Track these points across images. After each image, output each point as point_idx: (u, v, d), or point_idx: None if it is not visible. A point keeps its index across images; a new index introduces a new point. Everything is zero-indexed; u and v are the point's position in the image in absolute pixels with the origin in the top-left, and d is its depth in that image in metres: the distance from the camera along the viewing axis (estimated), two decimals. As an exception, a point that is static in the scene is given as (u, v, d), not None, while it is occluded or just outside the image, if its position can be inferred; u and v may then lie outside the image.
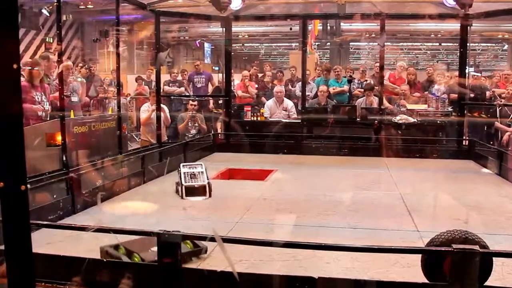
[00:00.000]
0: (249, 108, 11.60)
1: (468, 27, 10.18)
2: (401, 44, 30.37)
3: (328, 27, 22.50)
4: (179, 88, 13.97)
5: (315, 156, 9.80)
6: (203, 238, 3.37)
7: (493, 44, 28.89)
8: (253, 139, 10.60)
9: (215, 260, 3.85)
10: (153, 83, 14.91)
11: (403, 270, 3.74)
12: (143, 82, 15.51)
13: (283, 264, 3.89)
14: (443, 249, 3.02)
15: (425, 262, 3.23)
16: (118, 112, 8.20)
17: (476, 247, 2.92)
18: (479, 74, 14.60)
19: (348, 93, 12.23)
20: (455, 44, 24.04)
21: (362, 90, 12.12)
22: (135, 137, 13.33)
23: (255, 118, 11.43)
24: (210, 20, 12.43)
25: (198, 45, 27.33)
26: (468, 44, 10.47)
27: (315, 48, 21.73)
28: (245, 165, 8.76)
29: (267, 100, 12.28)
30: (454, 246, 2.93)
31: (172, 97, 13.40)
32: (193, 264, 3.81)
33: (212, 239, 3.14)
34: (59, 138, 6.60)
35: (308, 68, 12.43)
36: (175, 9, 10.93)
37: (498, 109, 10.62)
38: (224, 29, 11.03)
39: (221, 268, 3.22)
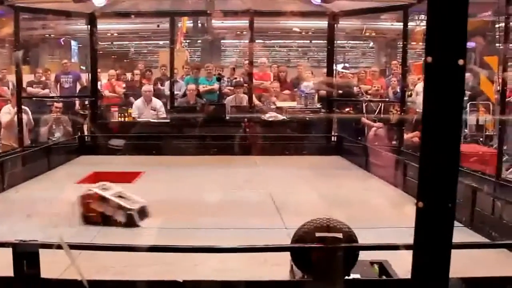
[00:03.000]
0: (116, 109, 11.28)
1: (335, 25, 10.48)
2: (272, 41, 30.85)
3: (199, 24, 22.39)
4: (44, 90, 13.26)
5: (185, 156, 9.58)
6: (50, 246, 3.12)
7: (361, 42, 30.11)
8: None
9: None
10: (10, 84, 14.10)
11: (272, 269, 3.72)
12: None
13: (151, 269, 3.74)
14: (306, 245, 3.06)
15: (294, 257, 3.23)
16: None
17: (339, 235, 3.02)
18: (347, 71, 15.12)
19: (218, 91, 12.20)
20: (324, 41, 24.82)
21: (232, 88, 12.14)
22: (-5, 141, 12.48)
23: (123, 119, 11.10)
24: (71, 16, 11.96)
25: (63, 43, 26.19)
26: (335, 42, 10.77)
27: (185, 46, 21.60)
28: (113, 167, 8.43)
29: (136, 99, 12.00)
30: (317, 234, 3.00)
31: (34, 98, 12.70)
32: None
33: (59, 247, 2.92)
34: None
35: (176, 67, 12.28)
36: (37, 5, 10.31)
37: (364, 105, 11.00)
38: (89, 26, 10.60)
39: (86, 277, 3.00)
